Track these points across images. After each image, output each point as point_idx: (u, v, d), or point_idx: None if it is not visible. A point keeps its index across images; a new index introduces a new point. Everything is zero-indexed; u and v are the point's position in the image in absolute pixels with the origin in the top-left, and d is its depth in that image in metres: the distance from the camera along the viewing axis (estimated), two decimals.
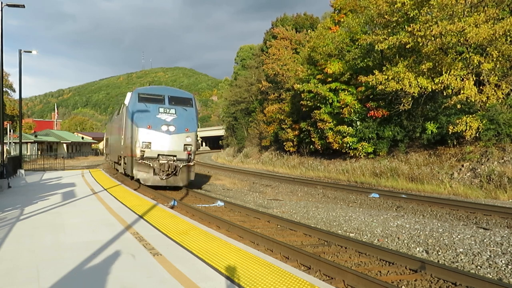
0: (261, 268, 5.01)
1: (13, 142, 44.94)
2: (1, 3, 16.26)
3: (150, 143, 15.61)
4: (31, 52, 24.10)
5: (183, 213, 10.27)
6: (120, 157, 19.90)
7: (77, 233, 7.01)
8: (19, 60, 23.17)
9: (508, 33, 16.52)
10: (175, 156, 15.84)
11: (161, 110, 16.10)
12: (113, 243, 6.21)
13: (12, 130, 47.67)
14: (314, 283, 4.48)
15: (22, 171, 22.23)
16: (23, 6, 17.25)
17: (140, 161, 15.53)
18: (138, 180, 16.06)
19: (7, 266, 5.03)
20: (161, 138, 15.75)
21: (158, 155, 15.68)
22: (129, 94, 17.10)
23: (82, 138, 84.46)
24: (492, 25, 16.57)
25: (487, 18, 16.80)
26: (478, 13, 17.24)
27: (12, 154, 36.37)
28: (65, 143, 68.53)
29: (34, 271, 4.82)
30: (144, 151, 15.53)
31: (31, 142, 54.71)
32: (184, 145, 15.99)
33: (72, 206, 10.12)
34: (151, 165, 15.55)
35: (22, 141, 28.26)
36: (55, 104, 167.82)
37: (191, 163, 16.22)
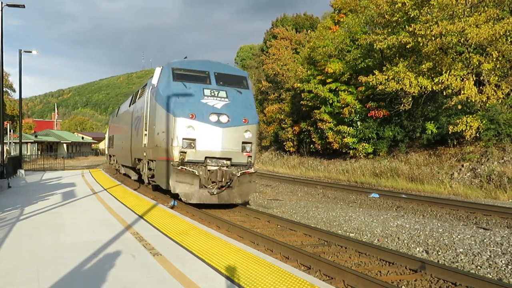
0: (261, 268, 5.01)
1: (13, 142, 44.96)
2: (1, 3, 16.27)
3: (194, 140, 10.88)
4: (31, 52, 24.13)
5: (183, 213, 10.26)
6: (139, 160, 15.22)
7: (77, 233, 7.01)
8: (19, 60, 23.19)
9: (508, 33, 16.54)
10: (230, 159, 11.19)
11: (207, 92, 11.33)
12: (113, 243, 6.20)
13: (12, 130, 47.70)
14: (314, 283, 4.48)
15: (22, 171, 22.23)
16: (23, 6, 17.26)
17: (180, 168, 10.68)
18: (176, 195, 11.39)
19: (7, 266, 5.03)
20: (210, 133, 10.94)
21: (206, 158, 10.98)
22: (158, 70, 12.26)
23: (82, 138, 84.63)
24: (492, 25, 16.58)
25: (487, 18, 16.81)
26: (479, 13, 17.25)
27: (12, 154, 36.38)
28: (65, 143, 68.60)
29: (34, 271, 4.82)
30: (185, 152, 10.80)
31: (31, 142, 54.73)
32: (243, 143, 11.35)
33: (72, 206, 10.12)
34: (197, 173, 10.76)
35: (22, 141, 28.28)
36: (55, 104, 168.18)
37: (252, 170, 11.53)
